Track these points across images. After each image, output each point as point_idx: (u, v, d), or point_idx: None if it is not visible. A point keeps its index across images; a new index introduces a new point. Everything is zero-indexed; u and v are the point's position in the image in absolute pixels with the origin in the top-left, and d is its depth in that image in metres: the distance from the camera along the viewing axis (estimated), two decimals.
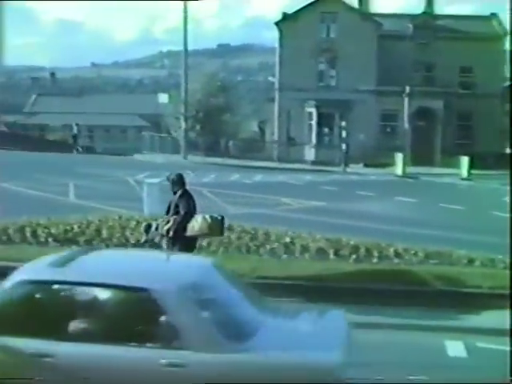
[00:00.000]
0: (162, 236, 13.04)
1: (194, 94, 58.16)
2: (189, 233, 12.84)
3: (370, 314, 12.71)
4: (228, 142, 61.04)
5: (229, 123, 62.26)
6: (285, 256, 15.74)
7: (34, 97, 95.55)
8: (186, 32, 55.07)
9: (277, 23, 59.49)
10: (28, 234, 16.39)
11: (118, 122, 78.79)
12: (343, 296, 13.37)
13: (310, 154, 56.20)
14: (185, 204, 12.91)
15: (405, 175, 45.89)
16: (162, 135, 62.33)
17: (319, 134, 57.00)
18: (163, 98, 62.63)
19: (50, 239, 16.12)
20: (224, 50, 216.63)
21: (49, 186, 30.17)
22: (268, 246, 16.14)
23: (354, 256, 15.67)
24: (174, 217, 12.91)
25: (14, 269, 14.40)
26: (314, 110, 56.86)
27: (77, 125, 61.40)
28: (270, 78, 68.57)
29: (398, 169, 47.03)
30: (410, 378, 9.38)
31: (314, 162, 53.88)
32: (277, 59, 59.63)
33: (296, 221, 22.11)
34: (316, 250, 15.91)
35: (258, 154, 57.87)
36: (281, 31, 58.76)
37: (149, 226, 13.50)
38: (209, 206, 25.56)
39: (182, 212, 12.85)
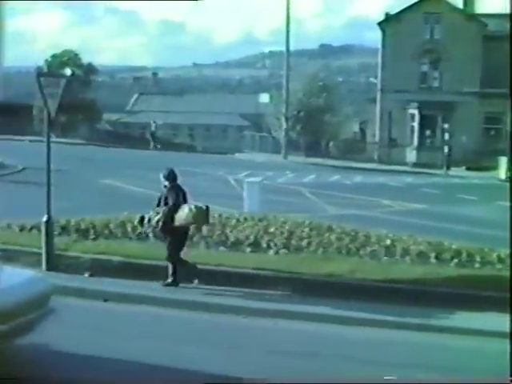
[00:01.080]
0: (154, 228, 14.16)
1: (295, 94, 58.11)
2: (176, 223, 13.77)
3: (472, 320, 12.43)
4: (328, 143, 60.76)
5: (329, 124, 61.90)
6: (385, 258, 15.52)
7: (136, 96, 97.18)
8: (289, 32, 55.14)
9: (379, 24, 58.98)
10: (129, 229, 16.59)
11: (218, 121, 79.39)
12: (444, 301, 13.12)
13: (411, 155, 55.49)
14: (173, 196, 13.95)
15: (508, 179, 44.78)
16: (263, 135, 62.50)
17: (421, 136, 56.25)
18: (264, 97, 62.86)
19: (150, 235, 16.26)
20: (325, 51, 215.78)
21: (149, 183, 30.49)
22: (368, 248, 15.93)
23: (455, 260, 15.33)
24: (163, 208, 13.90)
25: (115, 263, 14.77)
26: (416, 112, 56.15)
27: (154, 122, 62.57)
28: (372, 79, 67.90)
29: (502, 173, 45.92)
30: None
31: (415, 164, 53.15)
32: (379, 60, 59.11)
33: (396, 223, 21.84)
34: (417, 253, 15.63)
35: (359, 155, 57.44)
36: (383, 32, 58.21)
37: (142, 219, 14.41)
38: (308, 206, 25.64)
39: (170, 204, 13.83)
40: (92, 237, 16.23)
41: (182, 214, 13.79)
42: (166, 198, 14.11)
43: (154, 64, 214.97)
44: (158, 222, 13.95)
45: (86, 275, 14.74)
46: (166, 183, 14.33)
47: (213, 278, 14.24)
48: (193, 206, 13.88)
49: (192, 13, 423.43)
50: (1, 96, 54.21)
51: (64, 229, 16.48)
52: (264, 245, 15.87)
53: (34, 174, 28.94)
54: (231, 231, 16.53)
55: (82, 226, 16.66)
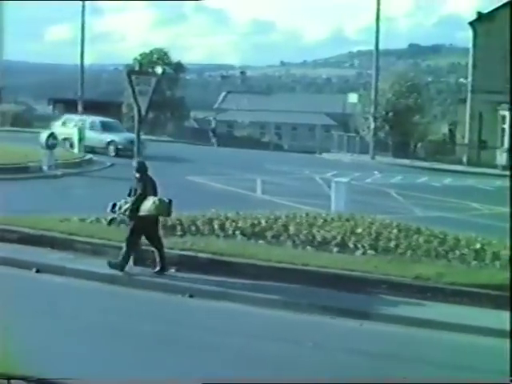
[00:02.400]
0: (123, 215, 14.98)
1: (384, 94, 57.57)
2: (141, 213, 14.55)
3: None
4: (417, 144, 60.01)
5: (418, 124, 61.12)
6: (474, 263, 15.18)
7: (223, 94, 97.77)
8: (378, 31, 54.65)
9: (471, 23, 57.89)
10: (216, 227, 16.66)
11: (305, 121, 79.28)
12: None
13: (501, 158, 54.30)
14: (141, 187, 14.70)
15: None
16: (350, 135, 62.12)
17: None
18: (353, 97, 62.50)
19: (237, 232, 16.32)
20: (414, 50, 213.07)
21: (236, 181, 30.71)
22: (457, 252, 15.62)
23: None
24: (132, 198, 14.80)
25: (202, 260, 14.83)
26: (507, 114, 54.92)
27: (214, 119, 63.35)
28: (462, 80, 66.77)
29: None
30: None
31: (505, 167, 51.99)
32: (470, 60, 58.03)
33: (485, 227, 21.36)
34: (508, 258, 15.24)
35: (447, 156, 56.53)
36: (475, 31, 57.12)
37: (114, 206, 15.21)
38: (395, 207, 25.35)
39: (136, 195, 14.68)
40: (179, 233, 16.34)
41: (147, 205, 14.56)
42: (135, 189, 14.89)
43: (242, 62, 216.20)
44: (126, 210, 14.85)
45: (173, 271, 14.84)
46: (137, 175, 14.97)
47: (299, 278, 14.17)
48: (156, 199, 14.62)
49: (282, 11, 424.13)
50: (90, 94, 55.23)
51: None
52: (351, 245, 15.72)
53: (122, 170, 29.41)
54: (318, 231, 16.42)
55: (169, 223, 16.77)
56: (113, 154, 40.03)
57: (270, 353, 10.55)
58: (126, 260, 14.76)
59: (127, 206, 14.86)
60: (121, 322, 11.80)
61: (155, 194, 14.89)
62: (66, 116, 45.31)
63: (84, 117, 45.13)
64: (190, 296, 13.64)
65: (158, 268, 14.78)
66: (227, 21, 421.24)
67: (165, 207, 14.74)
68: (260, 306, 13.12)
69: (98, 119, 43.04)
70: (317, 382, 9.17)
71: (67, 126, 41.62)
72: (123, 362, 9.70)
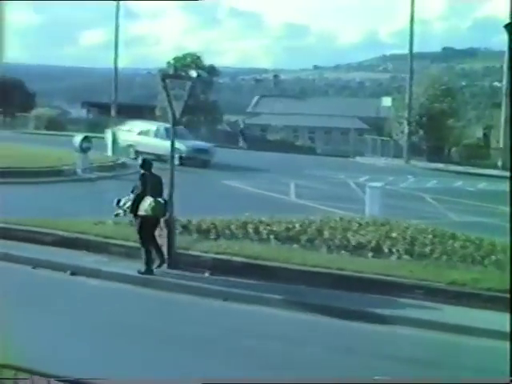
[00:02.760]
0: (125, 212, 15.26)
1: (418, 98, 57.21)
2: (139, 212, 14.80)
3: None
4: (451, 148, 59.58)
5: (452, 128, 60.67)
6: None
7: (257, 98, 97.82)
8: (413, 34, 54.39)
9: (506, 26, 57.37)
10: (250, 231, 16.64)
11: (338, 124, 78.92)
12: None
13: None
14: (139, 186, 15.02)
15: None
16: (384, 139, 61.79)
17: None
18: (387, 101, 62.20)
19: (271, 236, 16.28)
20: (449, 54, 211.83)
21: (270, 185, 30.68)
22: (493, 257, 15.44)
23: None
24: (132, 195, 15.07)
25: (236, 263, 14.80)
26: None
27: (243, 121, 63.68)
28: (497, 83, 66.21)
29: None
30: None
31: None
32: (505, 63, 57.53)
33: None
34: None
35: (482, 160, 56.05)
36: (510, 34, 56.61)
37: (118, 202, 15.48)
38: (430, 212, 25.17)
39: (135, 192, 15.02)
40: (213, 237, 16.35)
41: (144, 205, 14.82)
42: (137, 187, 15.22)
43: (275, 66, 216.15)
44: (128, 207, 15.14)
45: (207, 274, 14.83)
46: (141, 171, 15.41)
47: (334, 282, 14.10)
48: (152, 200, 14.76)
49: (315, 14, 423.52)
50: (124, 97, 55.51)
51: (185, 228, 16.65)
52: (386, 250, 15.61)
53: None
54: (353, 235, 16.32)
55: (204, 226, 16.79)
56: (176, 162, 38.02)
57: (305, 357, 10.50)
58: (149, 262, 14.88)
59: (129, 203, 15.18)
60: (156, 325, 11.81)
61: (160, 192, 15.18)
62: (130, 122, 43.06)
63: (149, 123, 43.20)
64: (224, 299, 13.61)
65: (157, 265, 15.04)
66: (261, 25, 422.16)
67: (160, 208, 14.95)
68: (294, 311, 13.07)
69: (162, 126, 40.11)
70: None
71: (132, 133, 40.32)
72: (161, 364, 9.67)
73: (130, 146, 38.83)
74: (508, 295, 12.85)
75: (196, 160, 37.59)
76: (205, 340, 10.99)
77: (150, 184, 15.05)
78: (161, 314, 12.70)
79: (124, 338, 11.04)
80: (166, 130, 38.65)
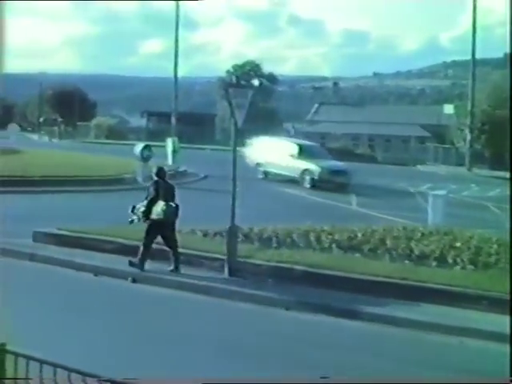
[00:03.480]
0: (139, 217, 15.78)
1: (480, 105, 56.46)
2: (152, 216, 15.52)
3: None
4: None
5: None
6: None
7: (316, 106, 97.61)
8: (475, 41, 53.68)
9: None
10: (312, 239, 16.50)
11: (399, 132, 78.33)
12: None
13: None
14: (152, 191, 15.69)
15: None
16: (446, 146, 61.11)
17: None
18: (448, 108, 61.51)
19: (333, 245, 16.12)
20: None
21: (330, 194, 30.53)
22: None
23: None
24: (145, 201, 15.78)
25: (297, 272, 14.66)
26: None
27: (293, 127, 63.52)
28: None
29: None
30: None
31: None
32: None
33: None
34: None
35: None
36: None
37: (133, 208, 15.96)
38: (494, 221, 24.67)
39: (148, 198, 15.67)
40: (275, 245, 16.24)
41: (157, 209, 15.51)
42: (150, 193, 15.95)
43: (335, 74, 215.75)
44: (142, 212, 15.73)
45: (267, 283, 14.73)
46: (155, 178, 16.05)
47: (397, 292, 13.89)
48: (163, 204, 15.48)
49: (375, 21, 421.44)
50: (183, 106, 55.78)
51: (247, 236, 16.58)
52: (450, 260, 15.31)
53: (215, 182, 29.57)
54: (416, 244, 16.07)
55: (265, 235, 16.71)
56: (308, 185, 33.31)
57: (368, 368, 10.31)
58: (143, 259, 15.60)
59: (142, 209, 15.74)
60: (218, 333, 11.78)
61: (172, 199, 15.75)
62: (259, 138, 38.47)
63: (280, 140, 38.86)
64: (287, 309, 13.49)
65: (171, 267, 15.54)
66: (320, 32, 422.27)
67: (171, 212, 15.53)
68: (356, 320, 12.87)
69: (294, 142, 36.98)
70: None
71: (261, 150, 36.35)
72: (226, 373, 9.59)
73: (258, 164, 36.00)
74: None
75: (331, 183, 32.77)
76: (269, 350, 10.89)
77: (162, 190, 15.67)
78: (222, 323, 12.61)
79: (186, 345, 10.98)
80: (299, 146, 35.78)
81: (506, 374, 8.92)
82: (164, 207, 15.47)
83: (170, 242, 15.74)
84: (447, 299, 13.61)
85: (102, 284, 15.02)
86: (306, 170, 33.67)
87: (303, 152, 34.97)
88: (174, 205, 15.59)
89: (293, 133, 65.34)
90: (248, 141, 37.56)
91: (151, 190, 15.79)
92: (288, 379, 9.37)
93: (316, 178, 33.10)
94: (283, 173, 34.34)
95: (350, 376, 9.49)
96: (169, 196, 15.71)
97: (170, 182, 16.44)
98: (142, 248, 15.65)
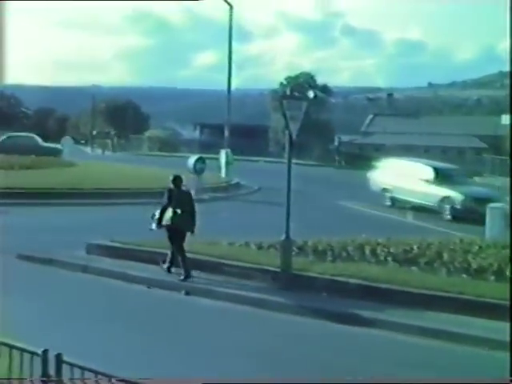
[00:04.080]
0: (156, 224, 16.33)
1: None
2: (163, 222, 16.19)
3: None
4: None
5: None
6: None
7: (370, 117, 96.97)
8: None
9: None
10: (367, 252, 16.31)
11: (454, 144, 77.40)
12: None
13: None
14: (167, 198, 16.26)
15: None
16: (503, 158, 60.17)
17: None
18: (506, 119, 60.58)
19: (389, 258, 15.89)
20: None
21: (384, 207, 30.23)
22: None
23: None
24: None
25: (352, 286, 14.45)
26: None
27: (339, 138, 62.87)
28: None
29: None
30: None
31: None
32: None
33: None
34: None
35: None
36: None
37: (153, 216, 16.48)
38: None
39: (162, 205, 16.33)
40: (329, 258, 16.05)
41: (166, 216, 16.15)
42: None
43: (388, 84, 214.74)
44: (156, 219, 16.35)
45: (323, 295, 14.56)
46: (171, 186, 16.50)
47: (454, 306, 13.58)
48: (171, 211, 16.08)
49: (430, 31, 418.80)
50: (236, 118, 55.75)
51: (301, 249, 16.43)
52: (508, 274, 14.93)
53: (269, 194, 29.48)
54: (474, 258, 15.73)
55: (320, 248, 16.54)
56: (448, 216, 28.53)
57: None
58: (170, 263, 16.33)
59: (157, 215, 16.40)
60: (275, 346, 11.68)
61: (187, 206, 16.24)
62: (389, 160, 34.56)
63: (416, 162, 33.04)
64: (341, 322, 13.30)
65: (182, 277, 15.81)
66: (374, 42, 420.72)
67: (178, 219, 16.01)
68: (411, 335, 12.60)
69: (430, 165, 32.07)
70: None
71: (390, 174, 31.97)
72: None
73: (385, 190, 32.00)
74: None
75: (475, 213, 25.85)
76: (324, 364, 10.73)
77: (175, 198, 16.17)
78: (276, 336, 12.47)
79: (241, 358, 10.87)
80: (435, 170, 31.02)
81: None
82: (171, 214, 16.02)
83: (179, 250, 16.11)
84: (506, 314, 13.26)
85: (155, 296, 15.02)
86: (445, 197, 29.01)
87: (441, 176, 30.39)
88: (181, 212, 16.02)
89: (337, 143, 64.87)
90: (375, 163, 35.17)
91: (164, 197, 16.35)
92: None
93: (458, 207, 28.41)
94: (415, 200, 29.84)
95: None
96: (182, 203, 16.17)
97: (185, 189, 16.91)
98: (176, 256, 16.18)
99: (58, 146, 54.74)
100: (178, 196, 16.23)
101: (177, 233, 16.11)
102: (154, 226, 16.39)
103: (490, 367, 10.74)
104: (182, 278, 15.73)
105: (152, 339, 11.80)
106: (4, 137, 52.12)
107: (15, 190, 28.39)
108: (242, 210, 28.41)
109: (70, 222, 23.18)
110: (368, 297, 14.19)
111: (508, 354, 10.35)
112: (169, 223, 16.06)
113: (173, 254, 16.24)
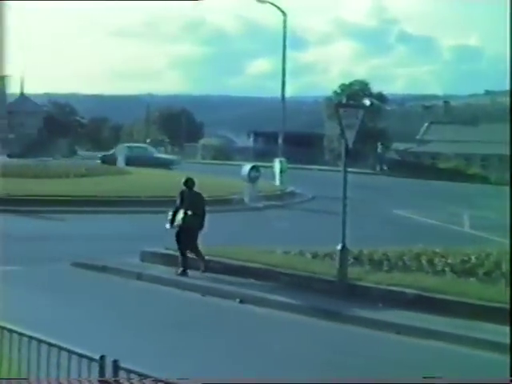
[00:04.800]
0: (170, 225, 17.08)
1: None
2: (175, 223, 16.92)
3: None
4: None
5: None
6: None
7: (426, 125, 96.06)
8: None
9: None
10: (424, 262, 16.03)
11: None
12: None
13: None
14: (179, 200, 17.10)
15: None
16: None
17: None
18: None
19: (446, 269, 15.59)
20: None
21: (442, 215, 29.82)
22: None
23: None
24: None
25: (409, 296, 14.20)
26: None
27: (382, 144, 62.49)
28: None
29: None
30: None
31: None
32: None
33: None
34: None
35: None
36: None
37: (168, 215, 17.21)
38: None
39: (174, 207, 17.13)
40: (386, 268, 15.82)
41: (178, 217, 16.90)
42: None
43: (445, 92, 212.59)
44: (169, 220, 17.13)
45: (380, 305, 14.35)
46: (183, 188, 17.30)
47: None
48: (182, 212, 16.82)
49: (487, 36, 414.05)
50: (290, 126, 55.69)
51: (357, 259, 16.24)
52: None
53: (323, 203, 29.32)
54: None
55: (376, 257, 16.34)
56: None
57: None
58: (185, 266, 16.79)
59: (169, 216, 17.17)
60: (331, 356, 11.54)
61: (199, 208, 16.99)
62: None
63: None
64: (397, 332, 13.07)
65: (201, 270, 16.74)
66: (430, 49, 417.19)
67: (189, 219, 16.74)
68: (471, 348, 12.29)
69: None
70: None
71: None
72: None
73: None
74: None
75: None
76: (383, 375, 10.53)
77: (187, 199, 16.97)
78: (331, 346, 12.32)
79: (297, 368, 10.73)
80: None
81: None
82: (182, 215, 16.80)
83: (193, 249, 16.85)
84: None
85: (210, 304, 14.97)
86: None
87: None
88: (191, 213, 16.74)
89: (380, 150, 64.55)
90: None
91: (178, 198, 17.18)
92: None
93: None
94: None
95: None
96: (194, 205, 16.92)
97: (196, 191, 17.49)
98: (179, 256, 16.87)
99: (171, 156, 55.21)
100: (189, 198, 17.04)
101: (188, 232, 16.75)
102: (167, 225, 17.14)
103: None
104: (202, 270, 16.70)
105: (206, 346, 11.74)
106: (124, 146, 52.85)
107: (72, 197, 28.81)
108: (296, 218, 28.25)
109: (123, 229, 23.33)
110: (425, 308, 13.92)
111: None
112: (180, 223, 16.79)
113: (182, 255, 16.84)
